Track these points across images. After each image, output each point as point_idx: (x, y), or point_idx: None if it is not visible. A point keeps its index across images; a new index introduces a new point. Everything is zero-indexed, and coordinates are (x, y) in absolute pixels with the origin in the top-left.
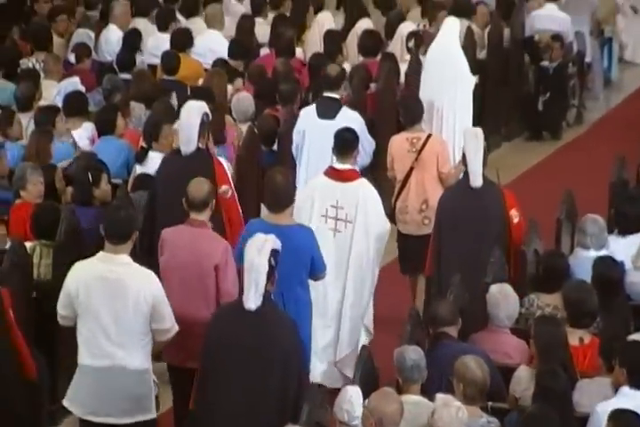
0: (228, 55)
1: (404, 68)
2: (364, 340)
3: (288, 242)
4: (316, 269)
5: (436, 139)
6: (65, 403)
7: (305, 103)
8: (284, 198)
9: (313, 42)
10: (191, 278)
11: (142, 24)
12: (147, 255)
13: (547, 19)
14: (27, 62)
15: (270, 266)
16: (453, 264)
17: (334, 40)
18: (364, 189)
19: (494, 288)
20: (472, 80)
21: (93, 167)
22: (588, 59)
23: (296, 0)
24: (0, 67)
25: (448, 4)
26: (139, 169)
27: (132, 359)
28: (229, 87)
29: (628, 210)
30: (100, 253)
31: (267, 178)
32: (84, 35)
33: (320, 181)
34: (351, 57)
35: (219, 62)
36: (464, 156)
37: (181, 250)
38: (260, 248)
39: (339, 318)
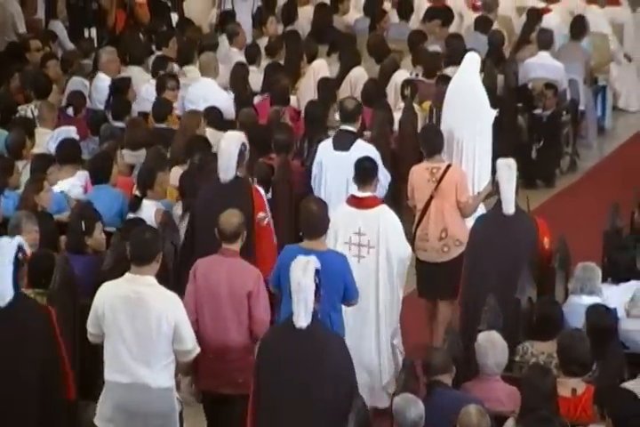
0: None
1: (397, 116)
2: (399, 357)
3: (323, 267)
4: (348, 295)
5: (455, 169)
6: (95, 421)
7: (300, 152)
8: (319, 225)
9: (307, 90)
10: (224, 306)
11: (135, 72)
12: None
13: (540, 67)
14: (25, 108)
15: (315, 285)
16: (484, 290)
17: (328, 88)
18: (385, 215)
19: (481, 337)
20: (492, 113)
21: (87, 216)
22: (581, 107)
23: (289, 48)
24: None
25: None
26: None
27: (154, 378)
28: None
29: (619, 258)
30: (127, 274)
31: (301, 207)
32: (78, 83)
33: (342, 209)
34: None
35: (210, 110)
36: (497, 184)
37: (215, 279)
38: (304, 269)
39: (377, 340)
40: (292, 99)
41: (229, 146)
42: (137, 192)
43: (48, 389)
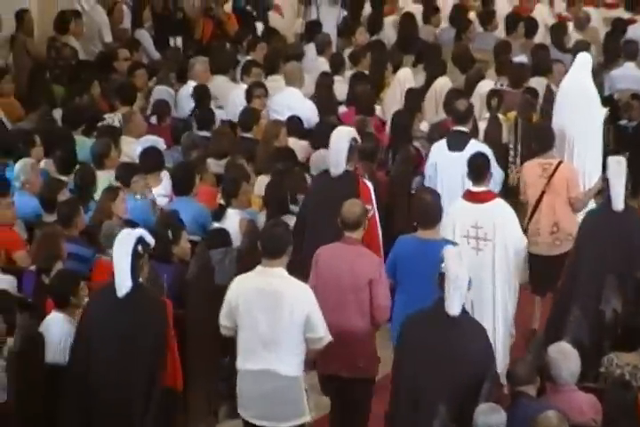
0: None
1: (482, 126)
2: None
3: (435, 256)
4: None
5: (566, 165)
6: (238, 409)
7: (384, 162)
8: (434, 215)
9: (392, 100)
10: (347, 292)
11: (220, 81)
12: (296, 270)
13: (626, 78)
14: (112, 117)
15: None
16: (590, 284)
17: (415, 98)
18: (500, 209)
19: (553, 349)
20: (603, 112)
21: (174, 225)
22: None
23: (374, 58)
24: (80, 123)
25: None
26: (216, 226)
27: (285, 366)
28: (304, 143)
29: None
30: (259, 267)
31: (416, 198)
32: (163, 91)
33: (459, 204)
34: (429, 114)
35: (290, 119)
36: (606, 181)
37: (337, 265)
38: (459, 259)
39: (494, 329)
40: (377, 109)
41: (339, 141)
42: (221, 201)
43: (154, 377)
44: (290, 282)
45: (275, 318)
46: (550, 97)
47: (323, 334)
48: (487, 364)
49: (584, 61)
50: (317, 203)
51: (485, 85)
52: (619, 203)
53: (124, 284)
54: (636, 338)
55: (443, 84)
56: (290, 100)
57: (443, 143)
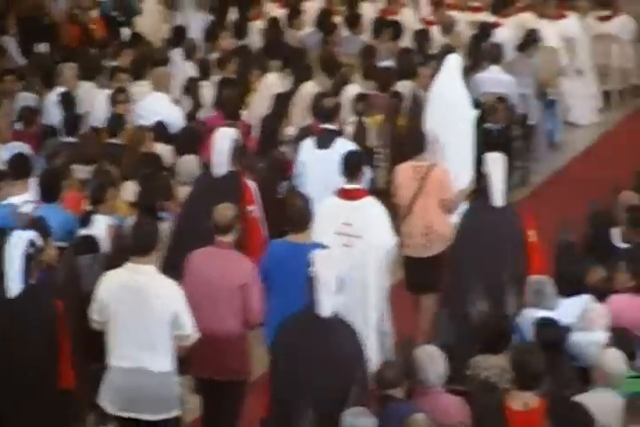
0: None
1: (348, 129)
2: (388, 343)
3: (306, 259)
4: None
5: (439, 168)
6: (99, 402)
7: (250, 167)
8: (304, 219)
9: (259, 104)
10: (220, 297)
11: (87, 87)
12: (173, 270)
13: (491, 81)
14: None
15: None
16: (470, 281)
17: (282, 103)
18: (371, 206)
19: (419, 352)
20: (472, 114)
21: (41, 232)
22: (532, 121)
23: (241, 62)
24: None
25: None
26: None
27: (155, 362)
28: (170, 149)
29: (569, 272)
30: (128, 264)
31: (287, 201)
32: (28, 98)
33: (331, 201)
34: (296, 119)
35: (156, 125)
36: (486, 177)
37: (207, 271)
38: (326, 262)
39: (365, 326)
40: (244, 113)
41: (221, 141)
42: (88, 207)
43: (45, 378)
44: (158, 279)
45: (143, 315)
46: (416, 100)
47: (190, 332)
48: (358, 366)
49: (454, 63)
50: (199, 203)
51: (352, 89)
52: (498, 199)
53: (14, 285)
54: (501, 341)
55: (309, 88)
56: (156, 106)
57: (310, 141)
